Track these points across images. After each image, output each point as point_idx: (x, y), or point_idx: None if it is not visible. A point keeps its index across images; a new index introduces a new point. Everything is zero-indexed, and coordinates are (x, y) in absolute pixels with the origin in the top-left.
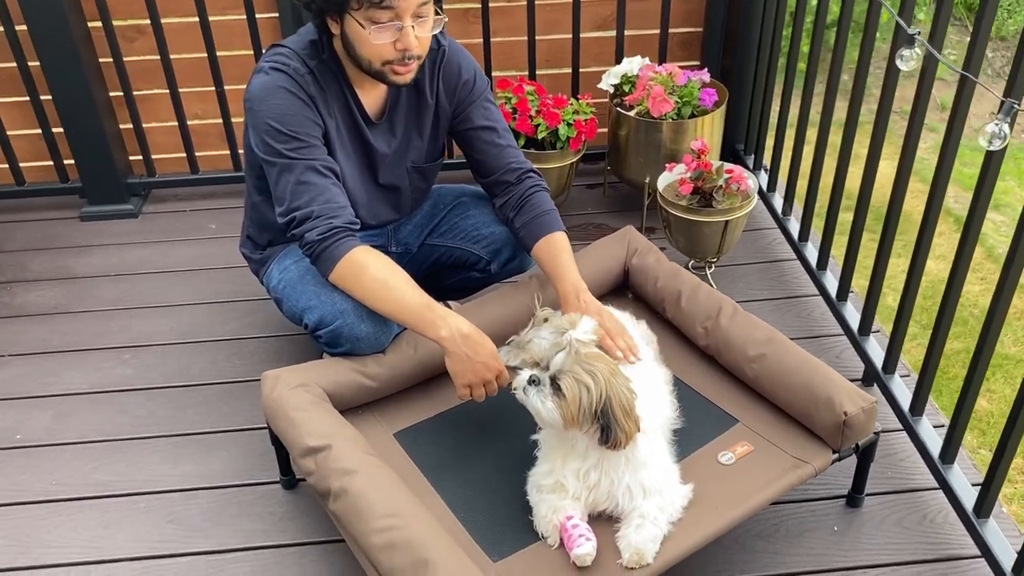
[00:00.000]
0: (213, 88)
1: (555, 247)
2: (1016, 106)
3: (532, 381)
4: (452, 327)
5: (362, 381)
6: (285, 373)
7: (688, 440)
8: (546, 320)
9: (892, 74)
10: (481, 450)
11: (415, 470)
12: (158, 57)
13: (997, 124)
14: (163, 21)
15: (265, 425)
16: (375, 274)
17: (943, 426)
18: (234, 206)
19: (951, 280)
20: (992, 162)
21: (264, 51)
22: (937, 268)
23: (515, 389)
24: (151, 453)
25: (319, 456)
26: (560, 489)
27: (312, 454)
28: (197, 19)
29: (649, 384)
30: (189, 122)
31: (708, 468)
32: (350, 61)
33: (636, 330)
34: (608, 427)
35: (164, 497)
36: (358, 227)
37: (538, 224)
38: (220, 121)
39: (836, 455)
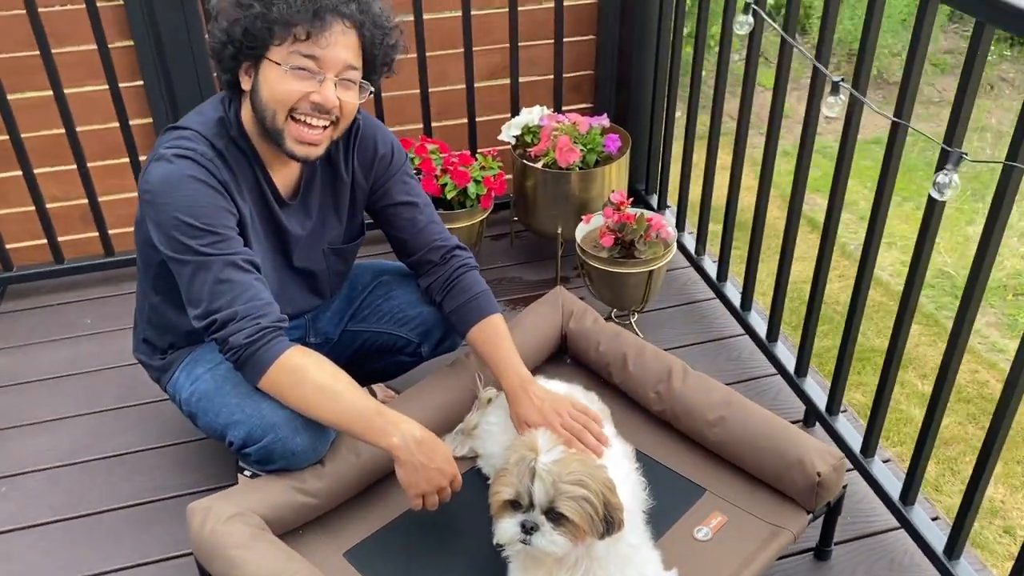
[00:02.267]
0: (74, 167)
1: (494, 334)
2: (964, 156)
3: (529, 529)
4: (405, 434)
5: (302, 500)
6: (215, 504)
7: (658, 517)
8: (489, 401)
9: (813, 115)
10: (442, 560)
11: None
12: (6, 137)
13: (946, 174)
14: (11, 98)
15: (189, 552)
16: (315, 379)
17: (889, 460)
18: (109, 295)
19: (898, 326)
20: (933, 217)
21: (161, 133)
22: (874, 295)
23: (505, 545)
24: None
25: None
26: None
27: None
28: (51, 93)
29: (616, 464)
30: (48, 205)
31: (686, 546)
32: (260, 134)
33: (589, 403)
34: (612, 517)
35: None
36: (287, 324)
37: (470, 309)
38: (85, 201)
39: (811, 516)
